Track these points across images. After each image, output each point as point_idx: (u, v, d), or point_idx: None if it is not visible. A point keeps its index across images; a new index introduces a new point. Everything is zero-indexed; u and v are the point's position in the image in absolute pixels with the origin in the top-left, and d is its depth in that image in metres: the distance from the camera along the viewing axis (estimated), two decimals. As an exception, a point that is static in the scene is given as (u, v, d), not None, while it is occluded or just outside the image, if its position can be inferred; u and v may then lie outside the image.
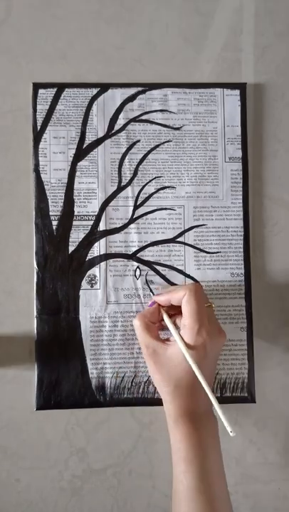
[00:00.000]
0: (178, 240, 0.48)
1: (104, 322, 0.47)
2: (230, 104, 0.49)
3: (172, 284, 0.48)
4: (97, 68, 0.48)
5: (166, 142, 0.48)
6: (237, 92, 0.49)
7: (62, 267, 0.47)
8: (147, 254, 0.48)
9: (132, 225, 0.48)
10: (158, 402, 0.46)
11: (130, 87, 0.48)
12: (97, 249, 0.47)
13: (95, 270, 0.47)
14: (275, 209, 0.49)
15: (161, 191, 0.48)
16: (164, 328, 0.44)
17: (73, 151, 0.48)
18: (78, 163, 0.48)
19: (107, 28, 0.49)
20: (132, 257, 0.48)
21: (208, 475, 0.38)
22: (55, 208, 0.47)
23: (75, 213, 0.47)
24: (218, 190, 0.48)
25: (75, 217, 0.47)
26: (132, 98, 0.48)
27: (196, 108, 0.48)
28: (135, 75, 0.49)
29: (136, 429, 0.47)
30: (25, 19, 0.48)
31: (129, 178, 0.48)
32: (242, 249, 0.48)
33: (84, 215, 0.47)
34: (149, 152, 0.48)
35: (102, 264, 0.47)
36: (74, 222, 0.47)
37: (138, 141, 0.48)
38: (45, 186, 0.47)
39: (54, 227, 0.47)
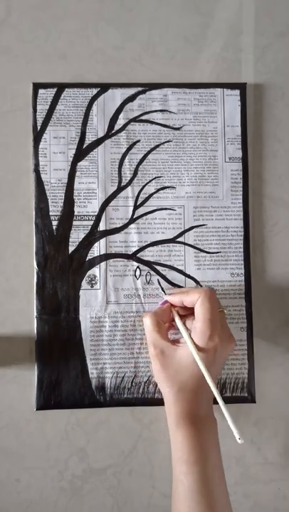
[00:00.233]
0: (178, 240, 0.48)
1: (105, 322, 0.47)
2: (230, 104, 0.49)
3: (173, 284, 0.48)
4: (97, 68, 0.48)
5: (166, 142, 0.48)
6: (237, 92, 0.49)
7: (62, 267, 0.47)
8: (147, 254, 0.48)
9: (132, 225, 0.48)
10: (158, 402, 0.46)
11: (130, 87, 0.48)
12: (97, 249, 0.47)
13: (95, 270, 0.47)
14: (275, 209, 0.49)
15: (161, 191, 0.48)
16: (173, 328, 0.45)
17: (73, 151, 0.48)
18: (78, 163, 0.48)
19: (107, 28, 0.49)
20: (132, 257, 0.48)
21: (209, 477, 0.38)
22: (55, 208, 0.47)
23: (75, 213, 0.47)
24: (218, 190, 0.48)
25: (75, 217, 0.47)
26: (132, 98, 0.48)
27: (196, 108, 0.48)
28: (135, 75, 0.49)
29: (136, 429, 0.47)
30: (25, 19, 0.48)
31: (129, 178, 0.48)
32: (242, 249, 0.48)
33: (84, 215, 0.47)
34: (149, 152, 0.48)
35: (102, 264, 0.47)
36: (74, 222, 0.47)
37: (138, 141, 0.48)
38: (45, 186, 0.47)
39: (54, 227, 0.47)
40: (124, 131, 0.48)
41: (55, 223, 0.47)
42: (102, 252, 0.47)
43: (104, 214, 0.48)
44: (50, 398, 0.46)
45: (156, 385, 0.47)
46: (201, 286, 0.48)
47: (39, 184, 0.47)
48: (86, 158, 0.48)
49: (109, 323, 0.47)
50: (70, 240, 0.47)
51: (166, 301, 0.45)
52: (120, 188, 0.48)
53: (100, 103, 0.48)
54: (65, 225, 0.47)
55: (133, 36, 0.49)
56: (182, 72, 0.49)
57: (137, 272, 0.47)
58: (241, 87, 0.49)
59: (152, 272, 0.47)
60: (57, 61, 0.48)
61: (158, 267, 0.48)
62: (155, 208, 0.48)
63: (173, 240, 0.48)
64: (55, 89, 0.48)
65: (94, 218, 0.47)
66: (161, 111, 0.48)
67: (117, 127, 0.48)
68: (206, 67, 0.49)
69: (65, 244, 0.47)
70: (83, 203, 0.48)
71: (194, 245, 0.48)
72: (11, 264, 0.47)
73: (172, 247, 0.48)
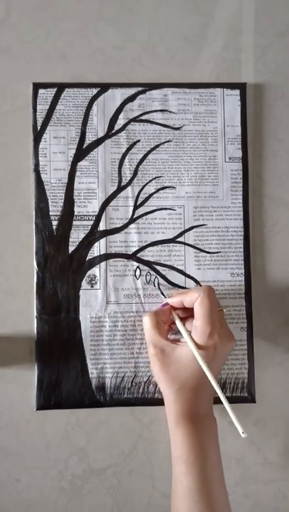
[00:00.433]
0: (178, 240, 0.48)
1: (105, 322, 0.47)
2: (230, 104, 0.49)
3: (173, 284, 0.47)
4: (97, 68, 0.48)
5: (166, 142, 0.48)
6: (237, 92, 0.49)
7: (62, 267, 0.47)
8: (147, 254, 0.48)
9: (132, 225, 0.48)
10: (158, 402, 0.46)
11: (130, 87, 0.48)
12: (97, 249, 0.47)
13: (95, 270, 0.47)
14: (275, 209, 0.49)
15: (161, 191, 0.48)
16: (173, 331, 0.45)
17: (73, 151, 0.48)
18: (78, 163, 0.48)
19: (107, 28, 0.49)
20: (132, 257, 0.48)
21: (208, 477, 0.38)
22: (55, 208, 0.47)
23: (75, 213, 0.47)
24: (218, 190, 0.48)
25: (75, 217, 0.47)
26: (132, 98, 0.48)
27: (196, 108, 0.48)
28: (135, 75, 0.49)
29: (136, 429, 0.47)
30: (25, 19, 0.48)
31: (129, 178, 0.48)
32: (242, 249, 0.48)
33: (84, 215, 0.47)
34: (149, 152, 0.48)
35: (102, 264, 0.47)
36: (74, 222, 0.47)
37: (138, 141, 0.48)
38: (45, 186, 0.47)
39: (54, 227, 0.47)
40: (124, 131, 0.48)
41: (55, 223, 0.47)
42: (102, 252, 0.47)
43: (104, 214, 0.48)
44: (50, 398, 0.46)
45: (156, 385, 0.47)
46: (201, 286, 0.48)
47: (39, 184, 0.47)
48: (86, 158, 0.48)
49: (109, 323, 0.47)
50: (70, 239, 0.47)
51: (166, 304, 0.45)
52: (120, 188, 0.48)
53: (100, 103, 0.48)
54: (65, 225, 0.47)
55: (133, 36, 0.49)
56: (182, 72, 0.49)
57: (137, 272, 0.47)
58: (241, 87, 0.49)
59: (152, 272, 0.47)
60: (57, 61, 0.48)
61: (158, 267, 0.48)
62: (155, 207, 0.48)
63: (173, 240, 0.48)
64: (55, 89, 0.48)
65: (94, 218, 0.47)
66: (161, 111, 0.48)
67: (117, 127, 0.48)
68: (206, 67, 0.49)
69: (65, 244, 0.47)
70: (83, 202, 0.48)
71: (194, 245, 0.48)
72: (11, 264, 0.47)
73: (172, 247, 0.48)
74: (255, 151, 0.49)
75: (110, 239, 0.47)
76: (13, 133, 0.48)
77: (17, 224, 0.48)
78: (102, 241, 0.47)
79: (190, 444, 0.39)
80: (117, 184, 0.48)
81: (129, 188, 0.48)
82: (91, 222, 0.47)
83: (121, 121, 0.48)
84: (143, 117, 0.48)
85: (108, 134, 0.48)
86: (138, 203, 0.48)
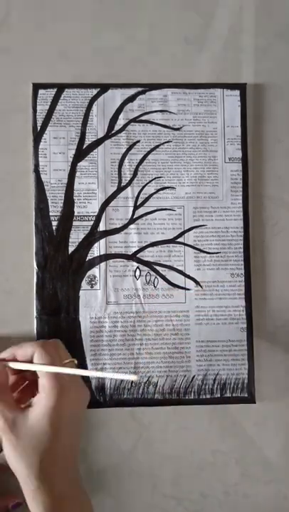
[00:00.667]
0: (178, 240, 0.48)
1: (104, 322, 0.47)
2: (230, 105, 0.48)
3: (173, 284, 0.47)
4: (97, 68, 0.48)
5: (166, 142, 0.48)
6: (237, 92, 0.49)
7: (62, 268, 0.47)
8: (147, 255, 0.48)
9: (132, 226, 0.48)
10: (158, 402, 0.46)
11: (130, 87, 0.48)
12: (97, 249, 0.47)
13: (95, 271, 0.47)
14: (275, 209, 0.49)
15: (161, 192, 0.48)
16: (18, 384, 0.41)
17: (73, 152, 0.48)
18: (78, 164, 0.48)
19: (107, 28, 0.49)
20: (132, 257, 0.48)
21: None
22: (55, 209, 0.47)
23: (75, 214, 0.47)
24: (218, 190, 0.48)
25: (75, 218, 0.47)
26: (131, 98, 0.48)
27: (196, 108, 0.48)
28: (135, 75, 0.49)
29: (136, 429, 0.47)
30: (25, 19, 0.48)
31: (129, 179, 0.48)
32: (242, 250, 0.48)
33: (84, 216, 0.47)
34: (149, 152, 0.48)
35: (102, 264, 0.47)
36: (74, 223, 0.47)
37: (138, 141, 0.48)
38: (45, 186, 0.47)
39: (54, 228, 0.47)
40: (124, 132, 0.48)
41: (55, 223, 0.47)
42: (102, 252, 0.47)
43: (104, 214, 0.48)
44: (50, 398, 0.46)
45: (156, 385, 0.47)
46: (202, 287, 0.48)
47: (39, 184, 0.47)
48: (86, 158, 0.48)
49: (109, 324, 0.47)
50: (70, 240, 0.47)
51: None
52: (120, 189, 0.48)
53: (99, 103, 0.48)
54: (65, 225, 0.47)
55: (133, 36, 0.49)
56: (182, 72, 0.49)
57: (137, 273, 0.48)
58: (241, 87, 0.49)
59: (152, 273, 0.48)
60: (57, 61, 0.48)
61: (158, 268, 0.48)
62: (155, 208, 0.48)
63: (173, 241, 0.48)
64: (55, 90, 0.48)
65: (94, 218, 0.47)
66: (161, 111, 0.48)
67: (117, 127, 0.48)
68: (206, 67, 0.49)
69: (65, 245, 0.47)
70: (83, 203, 0.48)
71: (194, 246, 0.48)
72: (10, 264, 0.47)
73: (172, 247, 0.48)
74: (255, 152, 0.49)
75: (110, 239, 0.47)
76: (13, 133, 0.48)
77: (17, 224, 0.48)
78: (102, 241, 0.47)
79: None
80: (116, 184, 0.48)
81: (129, 189, 0.48)
82: (91, 223, 0.47)
83: (121, 122, 0.48)
84: (143, 118, 0.48)
85: (108, 135, 0.48)
86: (138, 203, 0.48)
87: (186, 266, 0.48)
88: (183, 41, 0.49)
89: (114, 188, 0.48)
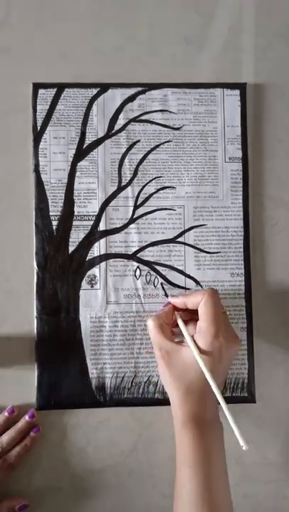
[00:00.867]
0: (178, 240, 0.48)
1: (105, 322, 0.47)
2: (230, 104, 0.49)
3: (173, 284, 0.47)
4: (97, 68, 0.48)
5: (166, 142, 0.48)
6: (237, 92, 0.49)
7: (62, 267, 0.47)
8: (147, 255, 0.48)
9: (132, 225, 0.48)
10: (158, 402, 0.46)
11: (130, 87, 0.48)
12: (97, 249, 0.47)
13: (95, 270, 0.47)
14: (275, 209, 0.49)
15: (161, 191, 0.48)
16: (176, 334, 0.44)
17: (73, 151, 0.48)
18: (78, 164, 0.48)
19: (107, 28, 0.49)
20: (132, 257, 0.48)
21: (213, 482, 0.38)
22: (55, 208, 0.47)
23: (75, 213, 0.47)
24: (218, 190, 0.48)
25: (75, 218, 0.47)
26: (131, 98, 0.48)
27: (196, 108, 0.48)
28: (135, 75, 0.49)
29: (136, 429, 0.47)
30: (25, 19, 0.48)
31: (129, 178, 0.48)
32: (242, 249, 0.48)
33: (84, 215, 0.47)
34: (149, 152, 0.48)
35: (102, 264, 0.47)
36: (74, 223, 0.47)
37: (138, 141, 0.48)
38: (45, 186, 0.47)
39: (54, 228, 0.47)
40: (124, 131, 0.48)
41: (55, 223, 0.47)
42: (102, 252, 0.47)
43: (104, 214, 0.48)
44: (50, 398, 0.46)
45: (156, 385, 0.47)
46: (202, 286, 0.48)
47: (39, 184, 0.47)
48: (86, 158, 0.48)
49: (109, 323, 0.47)
50: (70, 240, 0.47)
51: (168, 303, 0.44)
52: (120, 188, 0.48)
53: (99, 103, 0.48)
54: (65, 225, 0.47)
55: (133, 36, 0.49)
56: (182, 72, 0.49)
57: (137, 272, 0.47)
58: (241, 87, 0.49)
59: (152, 272, 0.48)
60: (57, 61, 0.48)
61: (158, 267, 0.48)
62: (155, 208, 0.48)
63: (173, 240, 0.48)
64: (55, 89, 0.48)
65: (94, 218, 0.47)
66: (161, 111, 0.48)
67: (117, 127, 0.48)
68: (206, 67, 0.49)
69: (65, 245, 0.47)
70: (83, 203, 0.48)
71: (194, 245, 0.48)
72: (10, 264, 0.47)
73: (172, 247, 0.48)
74: (255, 151, 0.49)
75: (110, 239, 0.47)
76: (13, 133, 0.48)
77: (17, 224, 0.48)
78: (102, 241, 0.47)
79: (196, 448, 0.39)
80: (117, 184, 0.48)
81: (129, 188, 0.48)
82: (91, 223, 0.47)
83: (121, 122, 0.48)
84: (143, 117, 0.48)
85: (108, 134, 0.48)
86: (138, 203, 0.48)
87: (187, 266, 0.48)
88: (183, 41, 0.49)
89: (115, 188, 0.48)
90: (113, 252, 0.47)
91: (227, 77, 0.49)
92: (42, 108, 0.47)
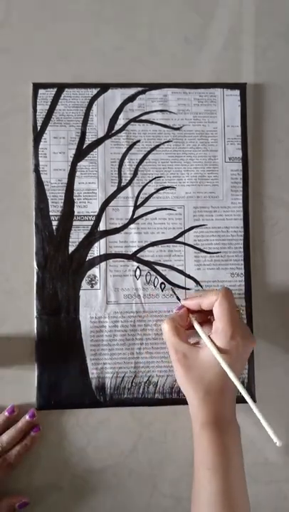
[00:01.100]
0: (178, 240, 0.48)
1: (105, 322, 0.47)
2: (230, 104, 0.49)
3: (173, 284, 0.47)
4: (97, 68, 0.48)
5: (166, 142, 0.48)
6: (237, 92, 0.49)
7: (62, 267, 0.47)
8: (147, 255, 0.48)
9: (132, 225, 0.48)
10: (158, 402, 0.46)
11: (130, 87, 0.48)
12: (97, 249, 0.47)
13: (95, 270, 0.47)
14: (275, 209, 0.49)
15: (161, 191, 0.48)
16: (190, 336, 0.44)
17: (73, 151, 0.48)
18: (78, 164, 0.48)
19: (107, 28, 0.49)
20: (132, 257, 0.48)
21: (232, 483, 0.38)
22: (55, 208, 0.47)
23: (75, 213, 0.47)
24: (218, 190, 0.48)
25: (75, 218, 0.47)
26: (131, 98, 0.48)
27: (196, 108, 0.48)
28: (135, 75, 0.49)
29: (136, 429, 0.47)
30: (25, 19, 0.48)
31: (129, 179, 0.48)
32: (242, 249, 0.48)
33: (84, 215, 0.47)
34: (149, 152, 0.48)
35: (102, 264, 0.47)
36: (74, 223, 0.47)
37: (138, 141, 0.48)
38: (45, 186, 0.47)
39: (54, 228, 0.47)
40: (124, 132, 0.48)
41: (55, 223, 0.47)
42: (102, 252, 0.47)
43: (104, 214, 0.48)
44: (50, 398, 0.46)
45: (156, 385, 0.47)
46: (202, 287, 0.48)
47: (39, 184, 0.47)
48: (86, 158, 0.48)
49: (109, 323, 0.47)
50: (70, 240, 0.47)
51: (182, 306, 0.44)
52: (120, 188, 0.48)
53: (99, 103, 0.48)
54: (65, 225, 0.47)
55: (133, 36, 0.49)
56: (182, 72, 0.49)
57: (137, 272, 0.47)
58: (241, 87, 0.49)
59: (152, 272, 0.48)
60: (57, 61, 0.48)
61: (158, 267, 0.48)
62: (155, 208, 0.48)
63: (173, 240, 0.48)
64: (55, 89, 0.48)
65: (94, 218, 0.47)
66: (161, 111, 0.48)
67: (117, 127, 0.48)
68: (206, 67, 0.49)
69: (65, 245, 0.47)
70: (83, 203, 0.48)
71: (194, 245, 0.48)
72: (10, 264, 0.47)
73: (172, 247, 0.48)
74: (255, 151, 0.49)
75: (110, 239, 0.47)
76: (13, 133, 0.48)
77: (17, 224, 0.48)
78: (102, 241, 0.47)
79: (215, 449, 0.39)
80: (117, 184, 0.48)
81: (129, 188, 0.48)
82: (91, 223, 0.47)
83: (121, 122, 0.48)
84: (143, 117, 0.48)
85: (108, 134, 0.48)
86: (138, 203, 0.48)
87: (187, 266, 0.48)
88: (183, 41, 0.49)
89: (115, 188, 0.48)
90: (113, 252, 0.47)
91: (227, 77, 0.49)
92: (42, 108, 0.47)
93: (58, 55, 0.48)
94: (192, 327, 0.43)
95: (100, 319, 0.47)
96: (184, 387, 0.42)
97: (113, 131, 0.48)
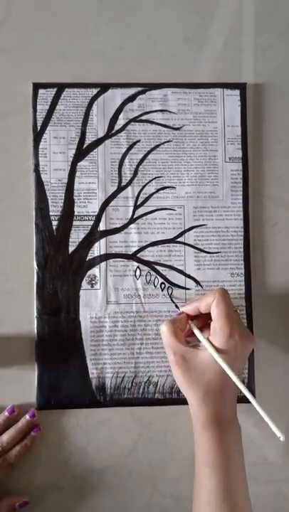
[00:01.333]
0: (178, 240, 0.48)
1: (105, 322, 0.47)
2: (230, 104, 0.49)
3: (172, 283, 0.47)
4: (97, 68, 0.48)
5: (166, 142, 0.48)
6: (237, 92, 0.49)
7: (62, 267, 0.47)
8: (147, 255, 0.48)
9: (132, 225, 0.48)
10: (158, 402, 0.46)
11: (130, 87, 0.48)
12: (98, 249, 0.47)
13: (95, 270, 0.47)
14: (275, 209, 0.49)
15: (161, 191, 0.48)
16: (190, 342, 0.44)
17: (73, 151, 0.48)
18: (78, 163, 0.48)
19: (107, 28, 0.49)
20: (132, 257, 0.48)
21: (232, 481, 0.39)
22: (55, 208, 0.47)
23: (75, 213, 0.47)
24: (218, 190, 0.48)
25: (75, 218, 0.47)
26: (132, 98, 0.48)
27: (196, 108, 0.48)
28: (135, 75, 0.49)
29: (136, 429, 0.47)
30: (25, 19, 0.48)
31: (129, 178, 0.48)
32: (242, 249, 0.48)
33: (84, 215, 0.47)
34: (149, 152, 0.48)
35: (102, 264, 0.47)
36: (74, 223, 0.47)
37: (138, 141, 0.48)
38: (45, 186, 0.47)
39: (54, 228, 0.47)
40: (124, 131, 0.48)
41: (55, 223, 0.47)
42: (102, 252, 0.47)
43: (104, 214, 0.48)
44: (50, 398, 0.46)
45: (156, 385, 0.47)
46: (202, 286, 0.48)
47: (39, 184, 0.47)
48: (86, 158, 0.48)
49: (109, 323, 0.47)
50: (70, 240, 0.47)
51: (181, 313, 0.44)
52: (120, 188, 0.48)
53: (99, 103, 0.48)
54: (65, 225, 0.47)
55: (133, 36, 0.49)
56: (182, 72, 0.49)
57: (137, 272, 0.47)
58: (241, 87, 0.49)
59: (152, 272, 0.48)
60: (57, 61, 0.48)
61: (158, 267, 0.48)
62: (155, 208, 0.48)
63: (173, 240, 0.48)
64: (55, 89, 0.48)
65: (94, 218, 0.47)
66: (161, 111, 0.48)
67: (117, 127, 0.48)
68: (206, 67, 0.49)
69: (65, 244, 0.47)
70: (83, 203, 0.48)
71: (194, 245, 0.48)
72: (10, 264, 0.47)
73: (172, 247, 0.48)
74: (255, 151, 0.49)
75: (110, 239, 0.47)
76: (13, 133, 0.48)
77: (17, 224, 0.48)
78: (102, 241, 0.47)
79: (216, 448, 0.39)
80: (117, 184, 0.48)
81: (129, 188, 0.48)
82: (91, 223, 0.47)
83: (121, 122, 0.48)
84: (143, 117, 0.48)
85: (108, 134, 0.48)
86: (138, 203, 0.48)
87: (187, 265, 0.48)
88: (183, 41, 0.49)
89: (115, 188, 0.48)
90: (113, 252, 0.47)
91: (227, 77, 0.49)
92: (42, 108, 0.47)
93: (58, 54, 0.48)
94: (192, 334, 0.43)
95: (100, 319, 0.47)
96: (183, 388, 0.42)
97: (113, 131, 0.48)
